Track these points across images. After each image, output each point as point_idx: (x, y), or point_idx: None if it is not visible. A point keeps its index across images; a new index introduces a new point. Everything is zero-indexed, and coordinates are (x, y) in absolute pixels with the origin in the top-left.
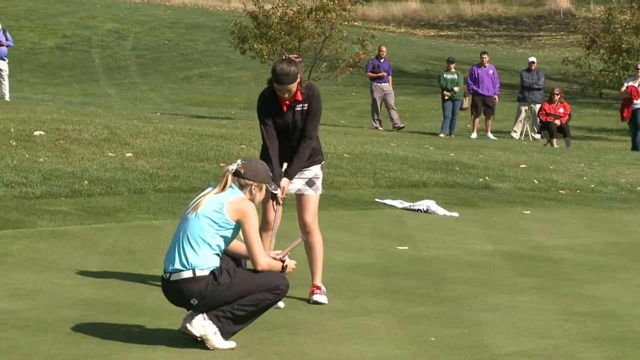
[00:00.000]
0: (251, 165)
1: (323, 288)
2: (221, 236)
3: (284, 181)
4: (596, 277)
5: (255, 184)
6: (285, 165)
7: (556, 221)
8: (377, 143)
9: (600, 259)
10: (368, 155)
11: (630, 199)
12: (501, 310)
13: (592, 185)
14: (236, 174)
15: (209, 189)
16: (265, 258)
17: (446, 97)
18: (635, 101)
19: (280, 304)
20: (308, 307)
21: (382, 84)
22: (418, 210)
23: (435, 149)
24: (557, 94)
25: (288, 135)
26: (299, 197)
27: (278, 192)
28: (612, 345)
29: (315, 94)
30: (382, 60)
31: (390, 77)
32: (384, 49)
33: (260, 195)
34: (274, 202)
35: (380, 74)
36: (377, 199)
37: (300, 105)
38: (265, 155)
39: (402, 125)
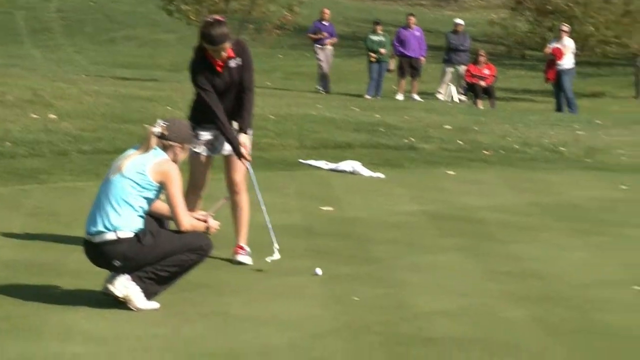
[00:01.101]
0: (174, 126)
1: (247, 249)
2: (144, 198)
3: (242, 137)
4: (519, 237)
5: (179, 145)
6: (234, 123)
7: (480, 182)
8: (302, 105)
9: (523, 219)
10: (293, 116)
11: (554, 159)
12: (425, 270)
13: (516, 146)
14: (159, 135)
15: (132, 150)
16: (189, 219)
17: (373, 59)
18: (559, 62)
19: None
20: (232, 267)
21: (325, 46)
22: (343, 171)
23: (361, 111)
24: (483, 56)
25: (227, 94)
26: (227, 158)
27: (242, 150)
28: (533, 304)
29: (244, 46)
30: (325, 24)
31: (333, 40)
32: (327, 11)
33: (183, 156)
34: (242, 160)
35: (319, 36)
36: (302, 160)
37: (234, 61)
38: (194, 120)
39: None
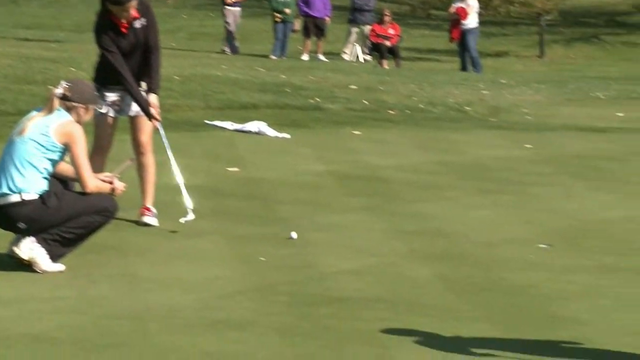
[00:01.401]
0: (77, 87)
1: (153, 210)
2: (48, 159)
3: (152, 97)
4: (425, 196)
5: (82, 106)
6: (143, 84)
7: (386, 141)
8: (207, 65)
9: (429, 179)
10: (198, 77)
11: (459, 118)
12: (331, 230)
13: (422, 106)
14: (62, 96)
15: (35, 112)
16: (94, 180)
17: (277, 20)
18: (463, 22)
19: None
20: (138, 229)
21: (234, 8)
22: (249, 132)
23: (267, 71)
24: (387, 16)
25: (133, 55)
26: (134, 119)
27: (152, 110)
28: (439, 262)
29: (148, 5)
30: None
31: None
32: None
33: (87, 117)
34: (153, 121)
35: None
36: (207, 121)
37: (139, 21)
38: (99, 81)
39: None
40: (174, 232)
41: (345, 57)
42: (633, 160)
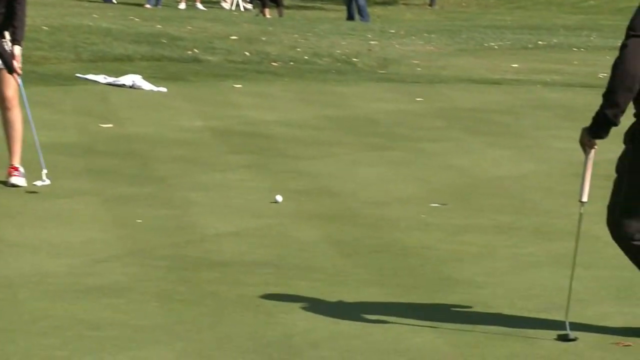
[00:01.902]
0: None
1: (21, 169)
2: None
3: (17, 49)
4: (311, 153)
5: None
6: (6, 34)
7: (269, 95)
8: (78, 14)
9: (315, 134)
10: (69, 27)
11: (346, 70)
12: (212, 189)
13: (306, 57)
14: None
15: None
16: None
17: None
18: None
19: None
20: (5, 189)
21: None
22: (123, 85)
23: (141, 21)
24: None
25: None
26: None
27: (15, 64)
28: (327, 223)
29: None
30: None
31: None
32: None
33: None
34: (14, 75)
35: None
36: (78, 74)
37: None
38: None
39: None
40: (43, 193)
41: (225, 5)
42: (528, 114)
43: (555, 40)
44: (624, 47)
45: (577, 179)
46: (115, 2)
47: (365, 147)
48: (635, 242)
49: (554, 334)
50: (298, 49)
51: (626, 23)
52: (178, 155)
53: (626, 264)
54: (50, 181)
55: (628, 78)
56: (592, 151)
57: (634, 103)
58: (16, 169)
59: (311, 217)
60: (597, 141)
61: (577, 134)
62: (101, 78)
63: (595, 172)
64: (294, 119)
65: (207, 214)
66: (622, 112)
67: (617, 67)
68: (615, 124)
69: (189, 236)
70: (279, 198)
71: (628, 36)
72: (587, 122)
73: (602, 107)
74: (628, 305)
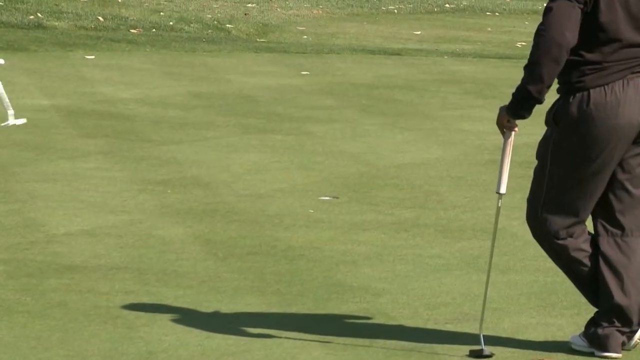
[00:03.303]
0: None
1: None
2: None
3: None
4: (178, 137)
5: None
6: None
7: (127, 67)
8: None
9: (182, 114)
10: None
11: (218, 38)
12: (60, 180)
13: (171, 23)
14: None
15: None
16: None
17: None
18: None
19: None
20: None
21: None
22: None
23: None
24: None
25: None
26: None
27: None
28: (196, 219)
29: None
30: None
31: None
32: None
33: None
34: None
35: None
36: None
37: None
38: None
39: None
40: None
41: None
42: (433, 90)
43: (464, 3)
44: (548, 10)
45: (492, 167)
46: None
47: (242, 130)
48: (560, 241)
49: (465, 349)
50: (161, 13)
51: None
52: (18, 140)
53: (549, 266)
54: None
55: (554, 47)
56: (512, 134)
57: (559, 77)
58: None
59: (178, 212)
60: (518, 122)
61: (492, 114)
62: None
63: (513, 159)
64: (157, 97)
65: (55, 209)
66: (548, 87)
67: (541, 35)
68: (540, 101)
69: (32, 236)
70: None
71: None
72: (504, 100)
73: (524, 81)
74: (551, 315)
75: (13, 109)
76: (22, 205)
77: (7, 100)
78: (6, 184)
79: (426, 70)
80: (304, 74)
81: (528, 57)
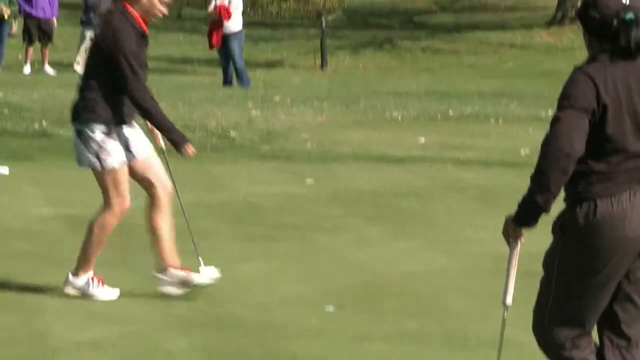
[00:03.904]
0: None
1: None
2: None
3: None
4: (184, 246)
5: None
6: None
7: None
8: None
9: (182, 223)
10: None
11: (223, 146)
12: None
13: None
14: None
15: None
16: None
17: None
18: (226, 23)
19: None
20: None
21: None
22: None
23: None
24: None
25: None
26: None
27: None
28: (201, 330)
29: None
30: None
31: None
32: None
33: None
34: None
35: None
36: None
37: None
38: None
39: None
40: None
41: (78, 68)
42: (437, 197)
43: (468, 110)
44: (556, 120)
45: (497, 276)
46: None
47: (247, 239)
48: (566, 352)
49: None
50: None
51: (552, 89)
52: (23, 250)
53: None
54: None
55: (562, 158)
56: (518, 244)
57: (565, 186)
58: None
59: (182, 323)
60: (524, 232)
61: (496, 221)
62: None
63: (518, 269)
64: None
65: (61, 320)
66: (555, 197)
67: (549, 145)
68: (547, 211)
69: (39, 347)
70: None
71: (561, 107)
72: (508, 207)
73: (531, 191)
74: None
75: (15, 220)
76: (30, 316)
77: None
78: (14, 295)
79: (430, 177)
80: (308, 182)
81: (535, 166)
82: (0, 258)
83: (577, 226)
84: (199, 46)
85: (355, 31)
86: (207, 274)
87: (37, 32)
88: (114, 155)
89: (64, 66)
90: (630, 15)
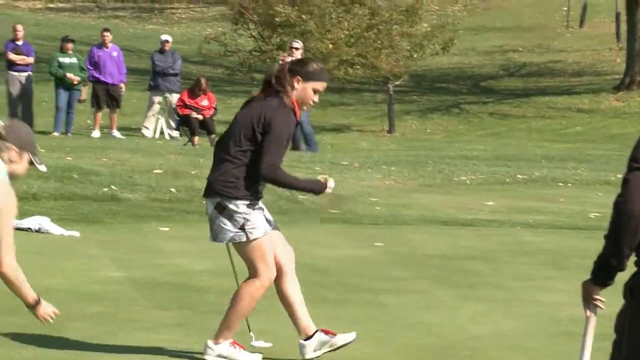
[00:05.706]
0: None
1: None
2: None
3: None
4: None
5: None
6: None
7: (200, 239)
8: None
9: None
10: None
11: (291, 209)
12: (135, 351)
13: None
14: None
15: None
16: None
17: (74, 82)
18: None
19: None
20: None
21: (22, 73)
22: (28, 229)
23: (48, 152)
24: (202, 84)
25: None
26: None
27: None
28: None
29: None
30: (19, 43)
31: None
32: (19, 28)
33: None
34: None
35: (23, 59)
36: None
37: None
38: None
39: None
40: None
41: (147, 133)
42: (506, 261)
43: (536, 174)
44: (626, 182)
45: (567, 339)
46: None
47: (313, 301)
48: None
49: None
50: None
51: (620, 153)
52: (93, 313)
53: None
54: None
55: (633, 220)
56: (596, 310)
57: (636, 248)
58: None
59: None
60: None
61: (566, 285)
62: None
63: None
64: (228, 268)
65: None
66: (628, 257)
67: (620, 207)
68: (622, 270)
69: None
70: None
71: (631, 169)
72: (578, 271)
73: (605, 252)
74: None
75: (86, 283)
76: None
77: None
78: (81, 357)
79: (498, 241)
80: (377, 245)
81: (608, 226)
82: (73, 320)
83: None
84: None
85: (422, 96)
86: (345, 337)
87: (106, 97)
88: (259, 227)
89: (132, 130)
90: None
